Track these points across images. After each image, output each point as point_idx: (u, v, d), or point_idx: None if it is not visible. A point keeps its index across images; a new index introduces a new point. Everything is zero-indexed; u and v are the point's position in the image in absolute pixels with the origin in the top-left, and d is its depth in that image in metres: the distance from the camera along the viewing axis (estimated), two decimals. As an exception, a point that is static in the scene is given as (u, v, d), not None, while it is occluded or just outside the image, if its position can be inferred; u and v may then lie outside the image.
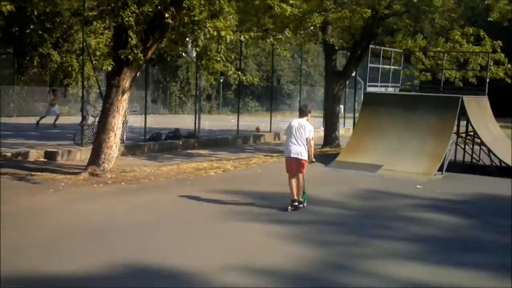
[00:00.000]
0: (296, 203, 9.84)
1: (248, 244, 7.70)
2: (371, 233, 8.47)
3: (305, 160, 9.89)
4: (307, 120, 10.20)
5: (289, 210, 9.73)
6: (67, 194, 10.59)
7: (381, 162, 14.64)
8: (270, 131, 24.03)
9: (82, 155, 15.15)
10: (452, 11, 20.14)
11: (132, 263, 6.64)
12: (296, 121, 10.15)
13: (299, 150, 9.83)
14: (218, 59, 13.33)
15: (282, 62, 45.95)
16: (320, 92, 40.66)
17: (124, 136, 16.90)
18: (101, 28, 34.61)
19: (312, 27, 18.36)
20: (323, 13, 18.08)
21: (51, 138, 18.41)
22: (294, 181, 9.88)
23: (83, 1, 16.91)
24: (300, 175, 9.91)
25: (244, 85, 25.25)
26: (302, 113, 10.33)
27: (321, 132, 22.01)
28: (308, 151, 9.89)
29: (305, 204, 9.99)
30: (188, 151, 18.40)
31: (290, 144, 9.91)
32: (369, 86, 17.76)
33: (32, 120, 24.65)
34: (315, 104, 41.18)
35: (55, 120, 23.85)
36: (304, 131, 9.89)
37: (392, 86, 19.11)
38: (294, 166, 9.89)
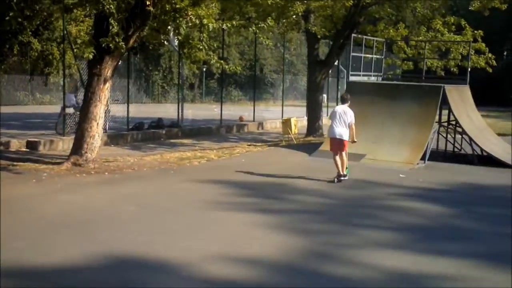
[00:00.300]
0: (342, 177, 11.57)
1: (232, 233, 7.71)
2: (355, 222, 8.53)
3: (346, 140, 11.68)
4: (347, 106, 11.96)
5: (335, 182, 11.47)
6: (49, 185, 10.52)
7: (364, 151, 14.69)
8: (254, 121, 24.03)
9: (64, 145, 15.05)
10: (433, 0, 20.25)
11: (116, 253, 6.62)
12: (340, 107, 12.12)
13: (342, 132, 11.63)
14: (201, 47, 13.27)
15: (265, 51, 45.86)
16: (303, 81, 40.66)
17: (107, 125, 16.81)
18: (82, 16, 34.27)
19: (294, 16, 18.34)
20: (305, 1, 18.09)
21: (32, 128, 18.26)
22: (338, 158, 11.60)
23: (63, -13, 16.71)
24: (343, 153, 11.64)
25: (227, 74, 25.23)
26: (344, 100, 12.26)
27: (304, 121, 22.04)
28: (349, 133, 11.67)
29: (347, 177, 11.64)
30: (172, 140, 18.35)
31: (334, 126, 11.70)
32: (352, 75, 17.80)
33: (14, 109, 24.36)
34: (298, 93, 41.30)
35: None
36: (346, 116, 11.67)
37: (374, 75, 19.17)
38: (337, 146, 11.65)
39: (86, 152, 12.45)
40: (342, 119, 11.65)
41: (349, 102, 12.16)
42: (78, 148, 12.55)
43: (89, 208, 8.90)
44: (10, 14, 14.41)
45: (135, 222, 8.05)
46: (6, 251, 6.49)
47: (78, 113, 14.97)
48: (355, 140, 11.97)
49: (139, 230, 7.61)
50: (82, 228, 7.64)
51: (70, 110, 16.83)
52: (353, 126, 11.74)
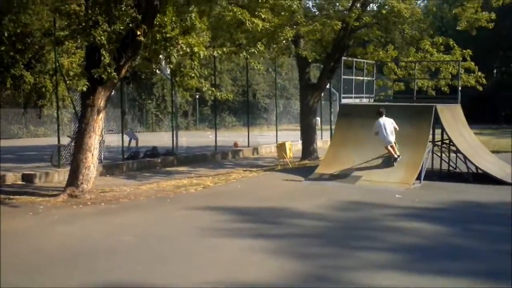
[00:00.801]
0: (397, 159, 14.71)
1: (230, 259, 7.69)
2: (353, 245, 8.53)
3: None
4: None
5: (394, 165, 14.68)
6: (46, 217, 10.50)
7: (359, 173, 14.78)
8: (248, 146, 24.07)
9: (60, 176, 15.04)
10: (421, 21, 20.49)
11: (114, 284, 6.60)
12: (382, 120, 14.89)
13: (390, 139, 14.80)
14: (192, 75, 13.40)
15: (257, 76, 46.16)
16: (296, 105, 40.85)
17: (102, 155, 16.81)
18: (73, 48, 34.46)
19: (284, 41, 18.52)
20: (294, 26, 18.28)
21: (28, 161, 18.25)
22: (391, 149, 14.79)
23: (53, 21, 16.86)
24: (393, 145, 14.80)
25: (220, 101, 25.31)
26: (380, 114, 15.01)
27: (299, 145, 22.11)
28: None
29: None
30: (167, 168, 18.35)
31: (385, 134, 14.78)
32: (344, 97, 17.94)
33: (8, 143, 24.32)
34: (292, 117, 41.47)
35: (136, 143, 23.11)
36: (391, 124, 14.87)
37: (366, 97, 19.31)
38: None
39: (82, 183, 12.45)
40: (388, 127, 14.76)
41: (383, 115, 14.99)
42: (73, 179, 12.55)
43: (86, 239, 8.88)
44: (2, 48, 14.63)
45: (133, 252, 8.04)
46: (4, 285, 6.47)
47: (72, 144, 15.01)
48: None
49: (136, 260, 7.60)
50: (79, 260, 7.62)
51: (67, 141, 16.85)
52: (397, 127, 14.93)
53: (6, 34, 23.38)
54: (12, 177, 14.83)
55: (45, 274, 6.99)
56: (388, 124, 14.75)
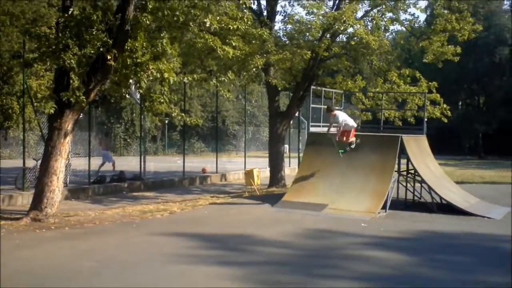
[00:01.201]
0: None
1: (197, 287, 7.64)
2: (318, 273, 8.55)
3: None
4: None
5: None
6: (8, 241, 10.28)
7: (326, 201, 14.85)
8: (217, 172, 24.04)
9: (24, 199, 14.81)
10: (389, 53, 20.90)
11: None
12: (338, 112, 16.09)
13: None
14: (162, 100, 13.43)
15: (226, 103, 46.32)
16: (265, 133, 40.97)
17: (68, 179, 16.63)
18: (42, 70, 34.28)
19: (254, 69, 18.69)
20: (265, 55, 18.47)
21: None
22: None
23: (23, 43, 16.75)
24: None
25: (189, 126, 25.29)
26: (331, 109, 15.90)
27: (267, 172, 22.17)
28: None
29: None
30: (134, 193, 18.21)
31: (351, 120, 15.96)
32: (312, 126, 18.10)
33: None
34: (260, 144, 41.59)
35: (113, 166, 21.90)
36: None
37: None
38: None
39: (46, 207, 12.27)
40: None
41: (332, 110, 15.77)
42: (38, 203, 12.37)
43: (48, 264, 8.72)
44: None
45: (96, 278, 7.92)
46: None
47: (38, 167, 14.82)
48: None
49: (100, 286, 7.48)
50: (40, 285, 7.47)
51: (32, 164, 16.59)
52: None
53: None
54: (-26, 199, 14.54)
55: (5, 299, 6.85)
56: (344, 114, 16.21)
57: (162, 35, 13.00)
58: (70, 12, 12.33)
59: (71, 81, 12.49)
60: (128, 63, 12.54)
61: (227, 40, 14.90)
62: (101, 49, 12.08)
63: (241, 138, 38.08)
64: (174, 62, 14.16)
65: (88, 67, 12.50)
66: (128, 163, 25.13)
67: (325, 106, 19.16)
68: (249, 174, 19.06)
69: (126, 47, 12.45)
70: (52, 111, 12.00)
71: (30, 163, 16.86)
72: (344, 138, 15.35)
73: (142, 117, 23.34)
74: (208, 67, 19.51)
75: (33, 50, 15.57)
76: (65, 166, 13.43)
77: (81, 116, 14.28)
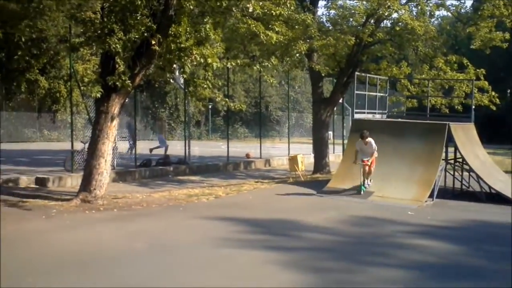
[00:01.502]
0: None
1: (242, 271, 7.70)
2: (364, 260, 8.51)
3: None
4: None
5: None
6: (59, 221, 10.55)
7: (371, 188, 14.76)
8: (260, 157, 24.10)
9: (73, 181, 15.14)
10: (434, 39, 20.51)
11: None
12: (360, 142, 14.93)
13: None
14: (205, 86, 13.47)
15: (270, 89, 46.30)
16: (308, 119, 40.91)
17: (115, 162, 16.90)
18: (88, 54, 34.86)
19: (297, 55, 18.59)
20: (308, 40, 18.34)
21: (41, 165, 18.36)
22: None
23: (69, 27, 17.04)
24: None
25: (233, 112, 25.39)
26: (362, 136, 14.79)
27: (311, 158, 22.11)
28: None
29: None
30: (179, 177, 18.41)
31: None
32: (357, 112, 17.95)
33: (22, 146, 24.47)
34: (304, 130, 41.48)
35: (165, 150, 21.86)
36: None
37: (379, 113, 19.31)
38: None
39: (94, 189, 12.52)
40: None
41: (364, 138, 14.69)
42: (86, 185, 12.63)
43: (98, 244, 8.91)
44: (19, 53, 14.78)
45: (144, 259, 8.05)
46: (19, 286, 6.53)
47: (86, 150, 15.12)
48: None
49: (148, 267, 7.62)
50: (91, 265, 7.65)
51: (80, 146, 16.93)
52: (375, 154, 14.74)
53: (23, 39, 23.47)
54: (26, 181, 14.93)
55: (57, 277, 7.03)
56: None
57: (205, 20, 13.04)
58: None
59: (116, 66, 12.63)
60: (172, 48, 12.63)
61: (270, 26, 14.86)
62: (146, 34, 12.20)
63: (284, 124, 38.08)
64: (217, 47, 14.16)
65: (133, 51, 12.65)
66: (173, 147, 25.34)
67: (371, 93, 19.04)
68: (293, 160, 19.03)
69: (170, 32, 12.53)
70: (98, 95, 12.17)
71: (78, 145, 17.21)
72: (372, 168, 14.76)
73: (186, 102, 23.55)
74: (251, 53, 19.49)
75: (79, 35, 15.83)
76: (112, 149, 13.66)
77: (126, 101, 14.48)
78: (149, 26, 12.10)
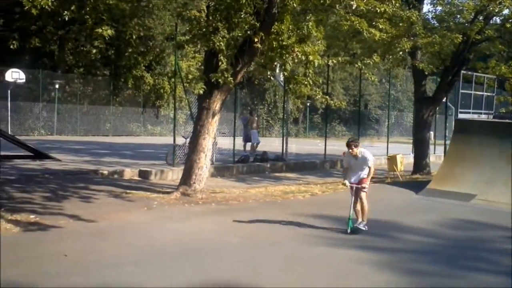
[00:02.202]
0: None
1: (337, 269, 7.65)
2: (464, 265, 8.21)
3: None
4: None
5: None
6: (160, 213, 10.95)
7: (474, 191, 14.18)
8: (358, 156, 23.74)
9: (173, 175, 15.62)
10: (549, 36, 19.43)
11: (221, 283, 6.77)
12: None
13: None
14: (306, 83, 13.45)
15: (370, 87, 45.67)
16: (408, 118, 39.98)
17: (214, 157, 17.27)
18: (192, 52, 35.84)
19: (401, 52, 18.17)
20: (412, 38, 17.89)
21: (144, 158, 19.08)
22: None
23: (175, 26, 17.57)
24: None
25: (331, 109, 25.30)
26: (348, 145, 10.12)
27: (410, 159, 21.58)
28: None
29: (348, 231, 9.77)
30: (276, 174, 18.54)
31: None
32: (461, 112, 17.31)
33: (127, 140, 25.53)
34: (403, 129, 40.52)
35: (256, 146, 21.67)
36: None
37: (485, 113, 18.53)
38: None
39: (194, 183, 12.86)
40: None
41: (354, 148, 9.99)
42: (187, 178, 13.00)
43: (196, 237, 9.16)
44: (129, 50, 15.57)
45: (240, 253, 8.19)
46: (120, 274, 6.84)
47: (187, 145, 15.59)
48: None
49: (244, 261, 7.73)
50: (189, 256, 7.87)
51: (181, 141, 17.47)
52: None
53: (133, 37, 24.67)
54: (130, 173, 15.58)
55: (156, 266, 7.29)
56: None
57: (308, 17, 13.03)
58: (220, -4, 12.70)
59: (219, 63, 12.89)
60: (274, 45, 12.72)
61: (373, 23, 14.62)
62: (249, 32, 12.35)
63: (383, 122, 37.39)
64: (319, 44, 14.12)
65: (236, 49, 12.84)
66: (270, 144, 25.56)
67: (477, 92, 18.31)
68: (392, 160, 18.68)
69: (272, 30, 12.63)
70: (201, 91, 12.47)
71: (180, 140, 17.74)
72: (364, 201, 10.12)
73: (285, 99, 23.65)
74: (352, 50, 19.28)
75: (184, 33, 16.28)
76: (212, 145, 13.98)
77: (227, 97, 14.75)
78: (253, 24, 12.25)
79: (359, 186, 9.90)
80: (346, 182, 9.97)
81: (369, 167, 9.95)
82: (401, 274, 7.53)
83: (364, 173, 10.00)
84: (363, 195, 9.96)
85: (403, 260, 8.34)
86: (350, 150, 9.87)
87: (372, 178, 10.42)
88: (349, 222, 9.71)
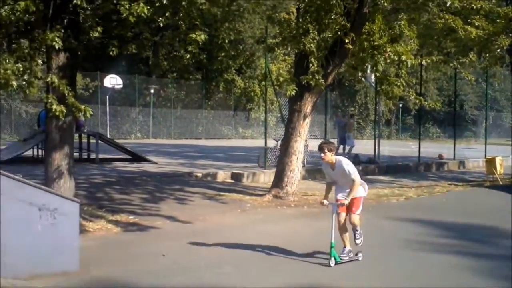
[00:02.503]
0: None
1: (436, 275, 7.41)
2: None
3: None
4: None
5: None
6: (253, 215, 11.08)
7: None
8: (454, 159, 23.03)
9: (265, 177, 15.72)
10: None
11: (313, 286, 6.73)
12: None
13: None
14: (399, 84, 13.17)
15: (465, 87, 44.11)
16: (507, 119, 38.26)
17: (305, 160, 17.23)
18: (282, 55, 36.04)
19: (498, 50, 17.41)
20: (510, 35, 17.11)
21: (236, 160, 19.35)
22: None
23: (265, 29, 17.73)
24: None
25: (425, 110, 24.62)
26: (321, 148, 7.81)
27: (510, 162, 20.65)
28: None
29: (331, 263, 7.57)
30: (368, 176, 18.18)
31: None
32: None
33: (219, 143, 25.98)
34: (502, 131, 38.83)
35: (350, 149, 22.30)
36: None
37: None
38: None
39: (286, 186, 12.90)
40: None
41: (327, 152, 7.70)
42: (279, 181, 13.06)
43: (290, 239, 9.15)
44: (222, 54, 15.87)
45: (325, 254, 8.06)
46: (218, 275, 6.96)
47: (278, 147, 15.65)
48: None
49: (335, 266, 7.62)
50: (282, 259, 7.86)
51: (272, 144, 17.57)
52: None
53: (226, 41, 25.11)
54: (223, 175, 15.83)
55: (252, 268, 7.35)
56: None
57: (400, 17, 12.77)
58: (311, -3, 12.68)
59: (310, 65, 12.86)
60: (365, 46, 12.51)
61: (468, 20, 14.12)
62: (339, 33, 12.24)
63: (481, 124, 36.00)
64: (411, 44, 13.80)
65: (327, 50, 12.78)
66: (362, 146, 25.22)
67: None
68: (491, 162, 17.93)
69: (363, 30, 12.46)
70: (293, 93, 12.47)
71: (271, 143, 17.84)
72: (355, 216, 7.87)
73: (376, 100, 23.27)
74: (446, 49, 18.69)
75: (274, 36, 16.38)
76: (304, 147, 13.96)
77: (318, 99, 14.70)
78: (343, 25, 12.14)
79: (339, 204, 7.70)
80: (324, 201, 7.87)
81: (353, 180, 7.68)
82: (502, 281, 7.19)
83: (347, 186, 7.81)
84: (354, 219, 7.81)
85: (503, 267, 7.95)
86: (322, 155, 7.70)
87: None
88: (332, 251, 7.55)
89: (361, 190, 7.84)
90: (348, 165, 7.70)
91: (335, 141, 21.53)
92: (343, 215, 7.79)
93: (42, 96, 16.54)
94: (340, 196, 7.82)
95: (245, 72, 39.58)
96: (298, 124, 13.06)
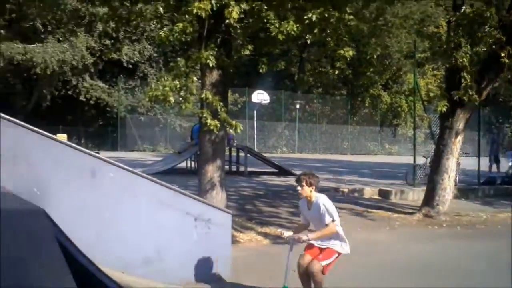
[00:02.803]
0: None
1: None
2: None
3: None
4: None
5: None
6: (402, 233, 10.84)
7: None
8: None
9: (414, 195, 15.29)
10: None
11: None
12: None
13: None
14: None
15: None
16: None
17: (457, 178, 16.52)
18: (430, 69, 35.00)
19: None
20: None
21: (382, 177, 19.01)
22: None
23: (413, 43, 17.34)
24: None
25: None
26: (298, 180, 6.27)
27: None
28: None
29: None
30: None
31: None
32: None
33: (364, 158, 25.68)
34: None
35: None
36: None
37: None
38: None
39: (437, 204, 12.48)
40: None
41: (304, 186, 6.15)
42: (429, 199, 12.66)
43: (440, 261, 8.81)
44: (371, 70, 15.74)
45: (485, 281, 7.61)
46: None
47: (427, 164, 15.16)
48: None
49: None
50: (437, 279, 7.59)
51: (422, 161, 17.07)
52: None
53: (374, 56, 24.85)
54: (370, 192, 15.62)
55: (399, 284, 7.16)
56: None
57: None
58: (462, 11, 12.24)
59: (462, 80, 12.39)
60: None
61: None
62: (494, 47, 11.69)
63: None
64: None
65: (480, 65, 12.26)
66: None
67: None
68: None
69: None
70: (444, 109, 12.09)
71: (419, 160, 17.31)
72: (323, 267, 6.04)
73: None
74: None
75: (423, 50, 15.96)
76: (456, 165, 13.42)
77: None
78: (498, 38, 11.59)
79: (297, 238, 6.09)
80: (284, 233, 6.37)
81: (326, 225, 6.00)
82: None
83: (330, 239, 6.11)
84: (315, 267, 5.96)
85: None
86: (299, 189, 6.16)
87: None
88: None
89: (336, 242, 6.14)
90: (326, 204, 6.05)
91: (487, 160, 20.49)
92: (307, 257, 6.07)
93: (194, 111, 17.35)
94: (317, 243, 6.11)
95: (391, 87, 38.91)
96: (449, 141, 12.63)
